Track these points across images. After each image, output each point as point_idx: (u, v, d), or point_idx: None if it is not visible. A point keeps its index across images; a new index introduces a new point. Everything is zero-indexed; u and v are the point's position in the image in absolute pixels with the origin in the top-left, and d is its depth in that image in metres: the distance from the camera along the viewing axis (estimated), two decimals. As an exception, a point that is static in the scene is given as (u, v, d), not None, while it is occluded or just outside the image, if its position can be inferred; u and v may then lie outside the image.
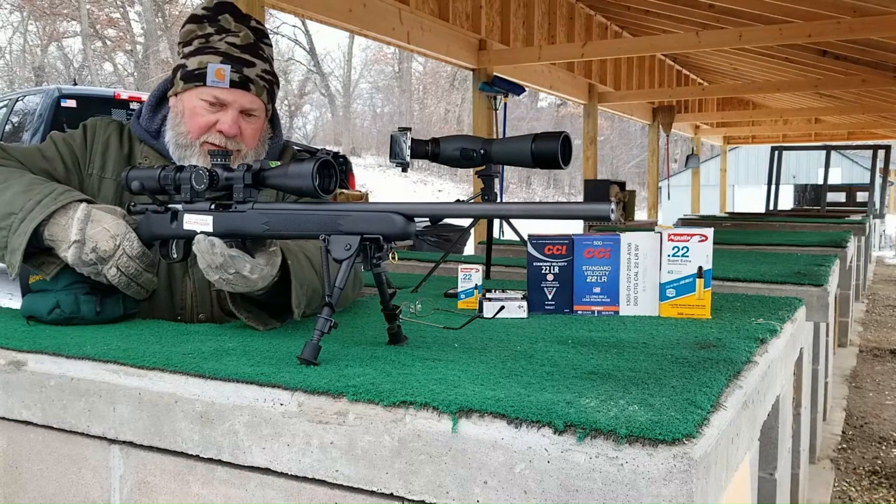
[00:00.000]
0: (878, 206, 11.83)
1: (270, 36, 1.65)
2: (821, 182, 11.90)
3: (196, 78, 1.52)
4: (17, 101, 8.94)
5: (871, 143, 13.39)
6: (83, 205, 1.30)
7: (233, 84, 1.51)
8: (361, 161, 29.74)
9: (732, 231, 4.74)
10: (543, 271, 1.45)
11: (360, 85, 37.38)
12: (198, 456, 0.96)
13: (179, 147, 1.56)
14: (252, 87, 1.54)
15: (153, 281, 1.34)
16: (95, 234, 1.27)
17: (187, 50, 1.55)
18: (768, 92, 10.79)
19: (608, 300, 1.43)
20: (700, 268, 1.38)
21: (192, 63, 1.53)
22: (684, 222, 6.02)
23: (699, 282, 1.38)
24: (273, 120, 1.68)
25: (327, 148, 1.18)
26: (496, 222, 5.54)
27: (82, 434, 1.05)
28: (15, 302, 1.33)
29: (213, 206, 1.22)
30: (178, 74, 1.56)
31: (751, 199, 23.22)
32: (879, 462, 3.27)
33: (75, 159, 1.57)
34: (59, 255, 1.28)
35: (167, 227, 1.27)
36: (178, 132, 1.56)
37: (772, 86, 9.67)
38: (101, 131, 1.62)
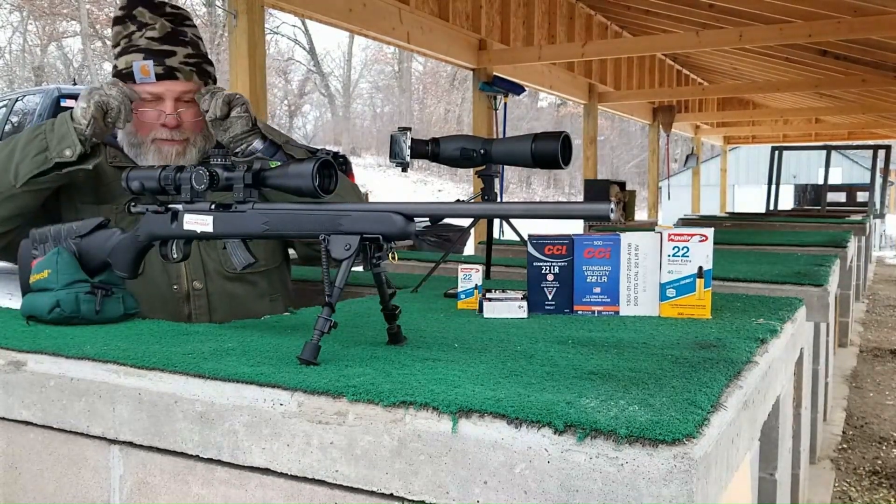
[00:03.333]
0: (878, 206, 11.84)
1: (194, 18, 1.80)
2: (821, 182, 11.90)
3: (126, 77, 1.63)
4: (16, 100, 8.93)
5: (871, 142, 13.40)
6: None
7: (159, 77, 1.62)
8: (361, 161, 29.73)
9: (732, 231, 4.74)
10: (543, 271, 1.45)
11: (360, 85, 37.40)
12: (198, 456, 0.96)
13: (133, 146, 1.67)
14: (179, 74, 1.64)
15: (131, 115, 1.60)
16: (90, 87, 1.58)
17: (116, 51, 1.67)
18: (768, 92, 10.79)
19: (608, 300, 1.43)
20: (700, 268, 1.38)
21: (121, 63, 1.65)
22: (684, 222, 6.01)
23: (699, 282, 1.38)
24: None
25: (327, 148, 1.18)
26: (496, 222, 5.54)
27: (82, 434, 1.05)
28: (15, 302, 1.35)
29: (213, 206, 1.22)
30: (114, 75, 1.68)
31: (751, 199, 23.22)
32: (880, 462, 3.27)
33: None
34: (78, 121, 1.54)
35: (167, 227, 1.27)
36: (128, 132, 1.67)
37: (772, 85, 9.67)
38: None
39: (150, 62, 1.61)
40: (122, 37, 1.65)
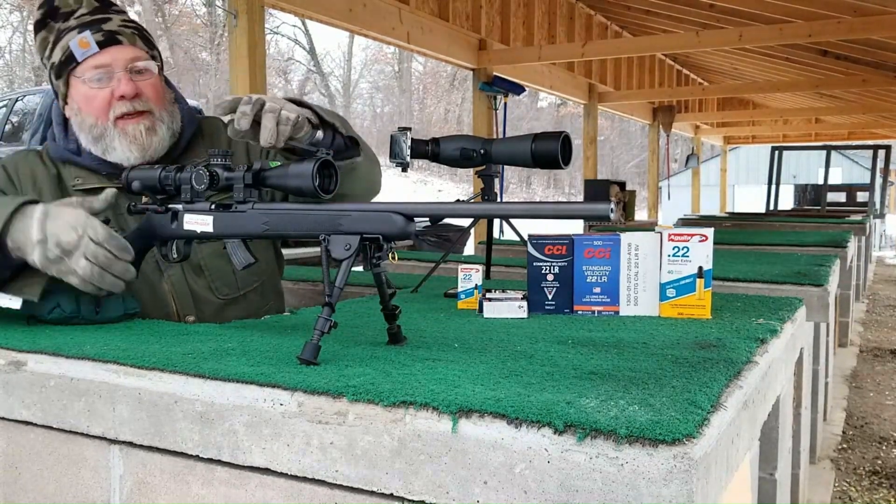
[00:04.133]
0: (878, 206, 11.84)
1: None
2: (821, 182, 11.91)
3: (66, 63, 1.48)
4: (16, 100, 8.94)
5: (871, 143, 13.41)
6: (40, 205, 1.25)
7: (101, 45, 1.46)
8: (361, 161, 29.67)
9: (732, 231, 4.74)
10: (543, 271, 1.45)
11: (360, 85, 37.40)
12: (198, 456, 0.96)
13: (96, 140, 1.49)
14: (121, 38, 1.48)
15: (129, 270, 1.27)
16: (56, 228, 1.21)
17: (47, 52, 1.52)
18: (768, 92, 10.80)
19: (608, 300, 1.43)
20: (700, 268, 1.38)
21: (56, 55, 1.49)
22: (684, 222, 6.01)
23: (699, 282, 1.38)
24: (168, 83, 1.62)
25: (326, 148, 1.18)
26: (496, 222, 5.54)
27: (82, 434, 1.05)
28: (15, 302, 1.33)
29: (213, 207, 1.22)
30: (52, 77, 1.52)
31: (751, 199, 23.23)
32: (880, 462, 3.27)
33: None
34: (28, 261, 1.24)
35: (167, 227, 1.27)
36: (87, 125, 1.49)
37: (772, 86, 9.68)
38: (22, 165, 1.57)
39: (87, 32, 1.45)
40: (51, 34, 1.50)
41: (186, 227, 1.24)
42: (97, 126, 1.48)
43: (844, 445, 3.44)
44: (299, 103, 1.27)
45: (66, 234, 1.21)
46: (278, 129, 1.16)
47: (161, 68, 1.57)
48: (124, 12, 1.54)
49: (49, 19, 1.50)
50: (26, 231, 1.22)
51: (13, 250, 1.24)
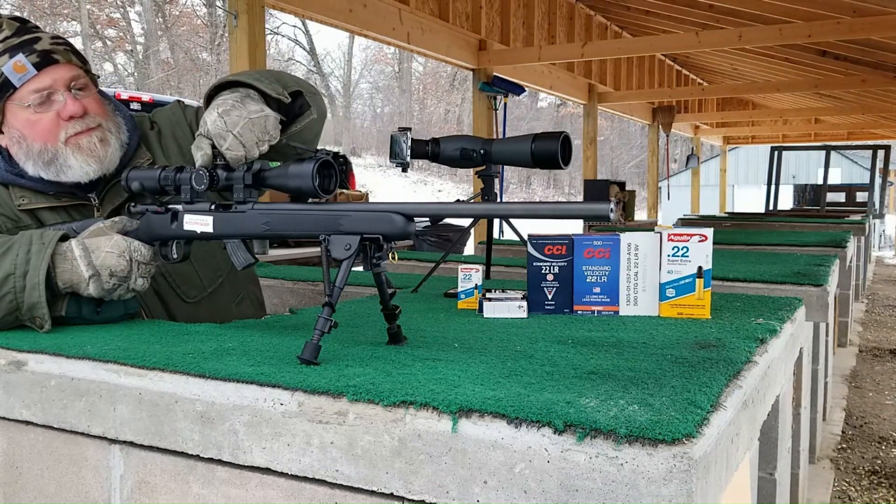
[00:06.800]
0: (877, 206, 11.83)
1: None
2: (820, 182, 11.91)
3: (1, 90, 1.40)
4: None
5: (870, 143, 13.41)
6: (72, 241, 1.28)
7: (38, 66, 1.39)
8: (361, 161, 29.76)
9: (732, 231, 4.74)
10: (543, 271, 1.45)
11: (360, 85, 37.39)
12: (198, 456, 0.96)
13: (47, 164, 1.44)
14: (57, 57, 1.42)
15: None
16: (103, 260, 1.26)
17: None
18: (768, 92, 10.80)
19: (608, 300, 1.43)
20: (700, 268, 1.38)
21: None
22: (684, 222, 6.02)
23: (699, 282, 1.38)
24: (102, 93, 1.56)
25: (327, 148, 1.18)
26: (496, 222, 5.54)
27: (82, 434, 1.05)
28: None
29: (213, 207, 1.22)
30: None
31: (751, 199, 23.24)
32: (879, 462, 3.27)
33: None
34: (83, 294, 1.28)
35: (167, 227, 1.27)
36: (35, 152, 1.43)
37: (772, 86, 9.68)
38: None
39: (20, 55, 1.38)
40: None
41: (186, 227, 1.24)
42: (47, 150, 1.43)
43: (844, 445, 3.44)
44: (236, 83, 1.30)
45: (116, 264, 1.27)
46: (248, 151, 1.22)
47: (96, 83, 1.52)
48: (49, 33, 1.46)
49: None
50: (74, 270, 1.26)
51: (64, 289, 1.27)
